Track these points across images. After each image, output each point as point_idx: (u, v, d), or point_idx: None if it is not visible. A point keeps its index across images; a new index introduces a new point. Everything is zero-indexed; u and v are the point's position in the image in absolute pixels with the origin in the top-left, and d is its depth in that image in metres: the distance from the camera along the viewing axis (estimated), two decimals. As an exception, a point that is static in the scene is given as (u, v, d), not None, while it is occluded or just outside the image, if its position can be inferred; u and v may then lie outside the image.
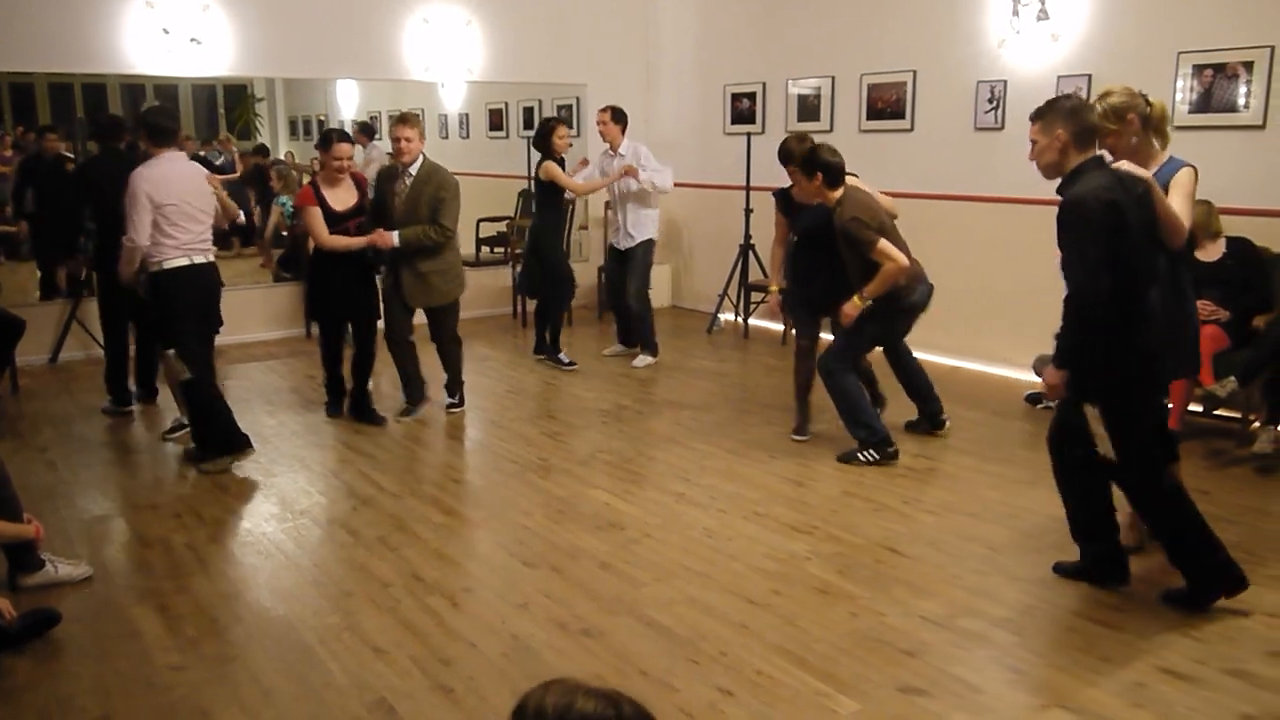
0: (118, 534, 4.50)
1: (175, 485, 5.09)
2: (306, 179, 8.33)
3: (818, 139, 5.43)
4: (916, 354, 5.69)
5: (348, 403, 6.23)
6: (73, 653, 3.42)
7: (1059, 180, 3.62)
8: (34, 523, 3.80)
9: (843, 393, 5.25)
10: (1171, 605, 3.63)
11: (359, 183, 6.03)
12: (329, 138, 5.86)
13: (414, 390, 6.26)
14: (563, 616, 3.63)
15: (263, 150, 10.68)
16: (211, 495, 4.96)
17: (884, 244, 4.94)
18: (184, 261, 5.15)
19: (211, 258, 5.33)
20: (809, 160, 5.10)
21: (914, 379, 5.67)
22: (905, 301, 5.18)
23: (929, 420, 5.69)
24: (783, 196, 5.70)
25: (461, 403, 6.35)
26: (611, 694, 1.36)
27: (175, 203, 5.07)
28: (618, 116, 7.35)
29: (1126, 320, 3.52)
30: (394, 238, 5.81)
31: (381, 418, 6.11)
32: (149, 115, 5.26)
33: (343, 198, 5.88)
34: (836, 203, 5.07)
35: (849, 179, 5.17)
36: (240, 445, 5.28)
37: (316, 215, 5.78)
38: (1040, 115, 3.60)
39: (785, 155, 5.47)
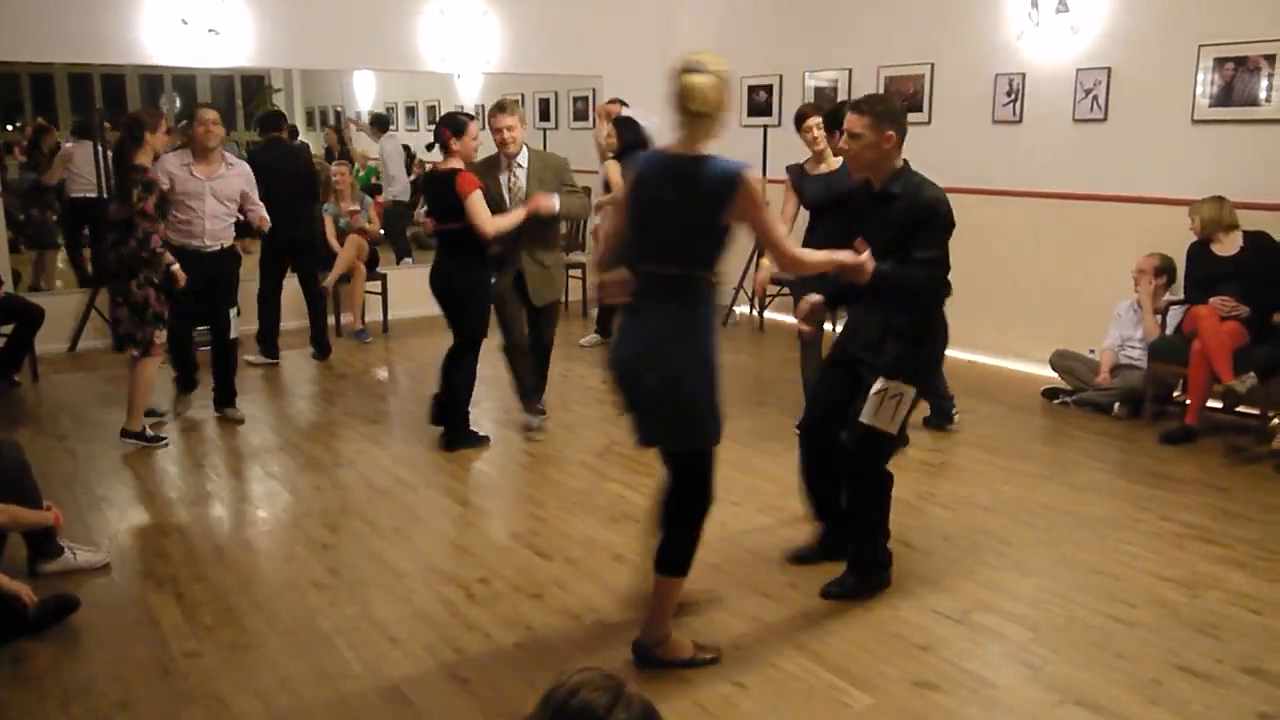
0: (136, 522, 4.53)
1: (193, 473, 5.12)
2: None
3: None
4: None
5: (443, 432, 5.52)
6: (91, 639, 3.45)
7: (889, 176, 3.59)
8: (53, 510, 3.83)
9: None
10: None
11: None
12: (463, 123, 5.20)
13: (535, 396, 5.75)
14: (577, 608, 3.64)
15: (292, 133, 10.62)
16: (229, 484, 4.99)
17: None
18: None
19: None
20: (834, 114, 5.14)
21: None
22: None
23: (943, 415, 5.67)
24: (796, 171, 5.69)
25: (544, 411, 5.84)
26: (618, 689, 1.37)
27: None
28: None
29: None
30: (554, 201, 5.31)
31: (484, 437, 5.61)
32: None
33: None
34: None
35: None
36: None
37: (481, 200, 5.13)
38: (871, 111, 3.51)
39: (801, 116, 5.54)
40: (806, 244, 5.58)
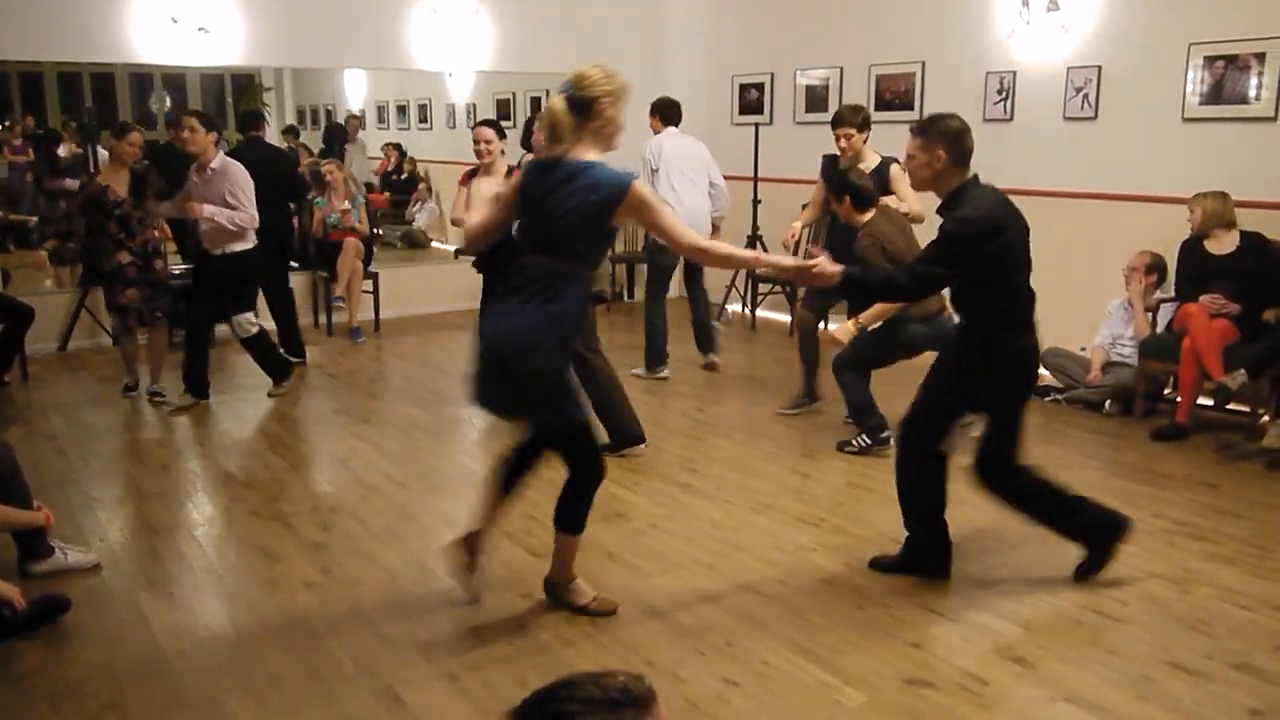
0: (126, 521, 4.51)
1: (184, 473, 5.10)
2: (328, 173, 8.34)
3: (826, 130, 5.48)
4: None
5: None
6: (82, 639, 3.43)
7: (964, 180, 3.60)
8: (43, 510, 3.81)
9: (847, 385, 5.28)
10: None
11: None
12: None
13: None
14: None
15: (292, 131, 10.60)
16: (220, 483, 4.97)
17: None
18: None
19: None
20: (839, 182, 5.19)
21: None
22: (904, 333, 5.08)
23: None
24: (830, 162, 5.74)
25: None
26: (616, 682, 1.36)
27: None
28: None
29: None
30: None
31: None
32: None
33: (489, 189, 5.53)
34: (864, 224, 5.08)
35: (887, 200, 5.32)
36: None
37: (459, 195, 5.77)
38: (921, 131, 3.57)
39: (839, 119, 5.58)
40: (830, 237, 5.62)
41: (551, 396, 3.29)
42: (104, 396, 6.40)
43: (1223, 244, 5.60)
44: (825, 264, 3.44)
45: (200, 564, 4.05)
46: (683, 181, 6.73)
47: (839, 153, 5.65)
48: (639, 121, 9.83)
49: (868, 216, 5.07)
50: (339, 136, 11.02)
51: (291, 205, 7.80)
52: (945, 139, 3.50)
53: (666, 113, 6.91)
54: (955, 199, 3.54)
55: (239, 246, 5.99)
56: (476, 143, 5.74)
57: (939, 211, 3.62)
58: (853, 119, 5.56)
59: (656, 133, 6.90)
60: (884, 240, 4.95)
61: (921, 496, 3.81)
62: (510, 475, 3.62)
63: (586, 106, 3.21)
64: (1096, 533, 3.80)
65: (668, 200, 6.84)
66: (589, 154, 3.23)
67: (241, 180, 5.91)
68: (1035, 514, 3.81)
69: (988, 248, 3.44)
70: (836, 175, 5.29)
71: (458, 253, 5.82)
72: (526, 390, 3.27)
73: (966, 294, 3.61)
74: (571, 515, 3.50)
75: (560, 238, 3.22)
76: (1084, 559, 3.80)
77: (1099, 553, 3.79)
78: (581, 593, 3.58)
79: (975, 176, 3.59)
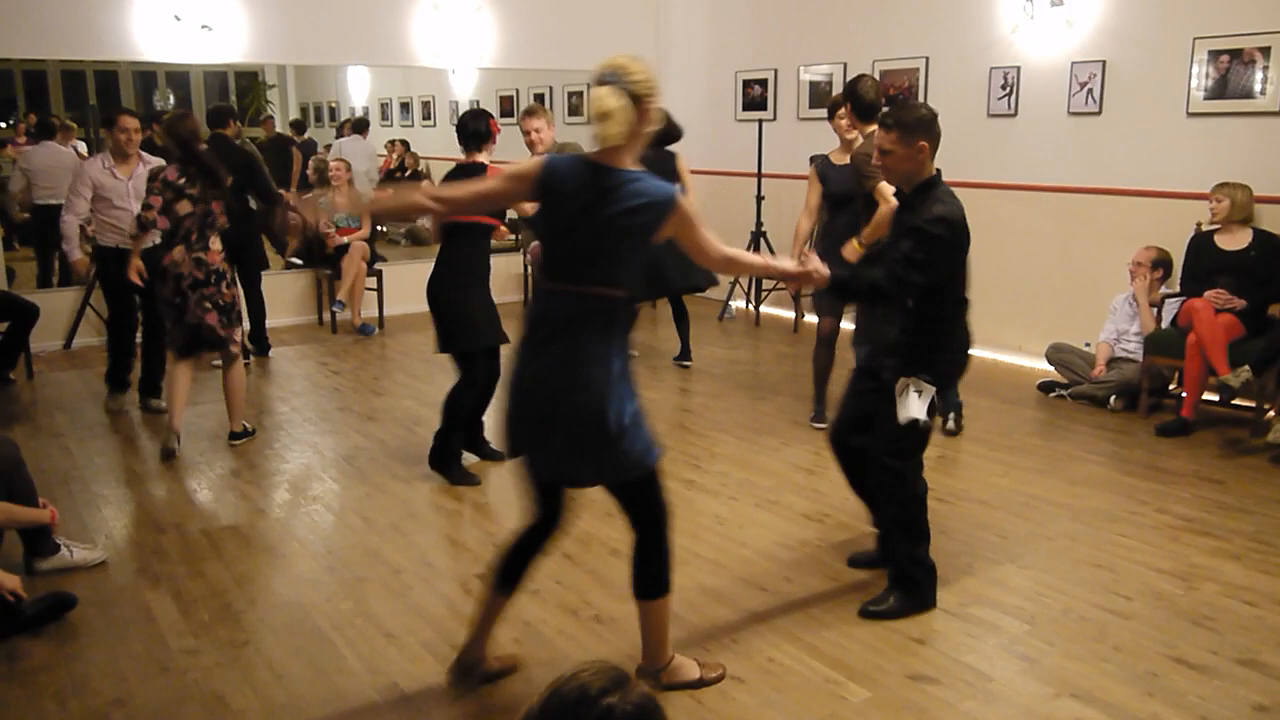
0: (132, 519, 4.52)
1: (189, 471, 5.11)
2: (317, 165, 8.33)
3: (830, 126, 5.45)
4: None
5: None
6: (87, 636, 3.44)
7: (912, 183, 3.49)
8: (49, 507, 3.82)
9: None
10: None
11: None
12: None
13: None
14: (574, 603, 3.64)
15: (297, 126, 10.52)
16: (225, 480, 4.98)
17: (884, 185, 4.76)
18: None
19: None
20: (846, 93, 5.20)
21: None
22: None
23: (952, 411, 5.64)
24: (821, 160, 5.69)
25: None
26: (620, 678, 1.38)
27: None
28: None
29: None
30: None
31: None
32: None
33: None
34: (864, 141, 5.00)
35: None
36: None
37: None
38: (898, 123, 3.42)
39: (834, 106, 5.49)
40: (827, 236, 5.56)
41: (626, 448, 2.78)
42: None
43: (1235, 239, 5.59)
44: (819, 266, 3.38)
45: (205, 561, 4.05)
46: None
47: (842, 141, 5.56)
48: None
49: (870, 128, 5.02)
50: (361, 129, 10.89)
51: (254, 205, 7.53)
52: (924, 128, 3.41)
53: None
54: (926, 193, 3.42)
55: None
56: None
57: (905, 204, 3.51)
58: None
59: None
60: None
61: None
62: (519, 566, 3.08)
63: (639, 104, 2.71)
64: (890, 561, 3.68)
65: None
66: (630, 162, 2.78)
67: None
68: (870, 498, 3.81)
69: (961, 254, 3.42)
70: (848, 88, 5.25)
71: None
72: (599, 453, 2.78)
73: (916, 304, 3.47)
74: (654, 575, 2.97)
75: (604, 260, 2.74)
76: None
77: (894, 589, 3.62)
78: (687, 669, 3.09)
79: (939, 171, 3.52)
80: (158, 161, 5.85)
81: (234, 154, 7.13)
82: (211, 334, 5.22)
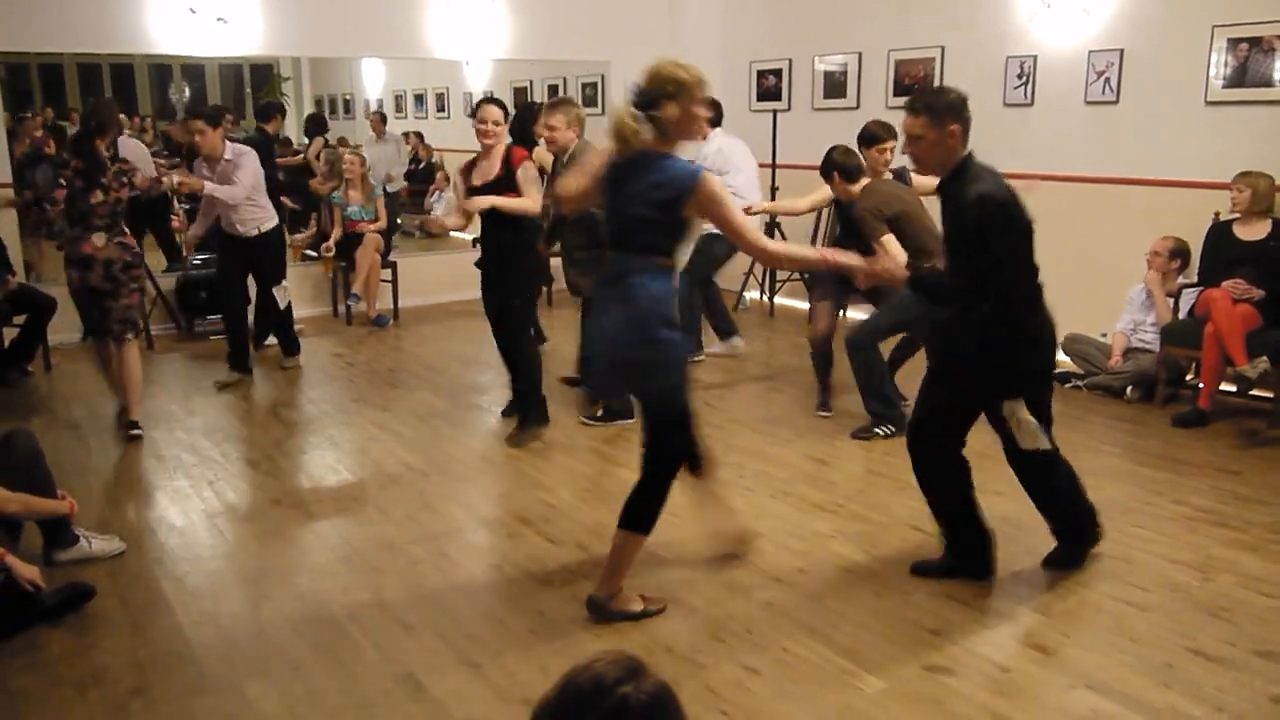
0: (150, 510, 4.55)
1: (206, 462, 5.13)
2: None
3: (845, 116, 5.46)
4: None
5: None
6: (106, 626, 3.47)
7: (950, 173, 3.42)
8: (67, 499, 3.85)
9: (866, 366, 5.27)
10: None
11: (510, 156, 5.21)
12: (477, 103, 5.25)
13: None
14: (588, 593, 3.64)
15: (316, 122, 10.47)
16: (242, 471, 5.01)
17: (888, 238, 4.95)
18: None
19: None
20: (824, 165, 5.31)
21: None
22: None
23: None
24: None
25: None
26: (634, 667, 1.39)
27: None
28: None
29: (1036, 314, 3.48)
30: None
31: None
32: None
33: (484, 170, 5.19)
34: (859, 195, 5.18)
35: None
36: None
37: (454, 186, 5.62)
38: (927, 107, 3.36)
39: (825, 173, 5.46)
40: (839, 234, 5.58)
41: (662, 376, 3.31)
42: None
43: (1254, 229, 5.54)
44: (896, 261, 3.33)
45: (223, 552, 4.08)
46: (749, 185, 6.63)
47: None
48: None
49: (858, 187, 5.21)
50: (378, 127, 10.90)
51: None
52: (954, 112, 3.34)
53: (714, 113, 6.58)
54: (961, 176, 3.35)
55: (267, 225, 6.39)
56: (484, 122, 5.12)
57: (942, 186, 3.44)
58: (889, 135, 5.40)
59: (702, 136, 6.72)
60: (880, 205, 5.02)
61: (949, 495, 3.71)
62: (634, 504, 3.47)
63: (659, 111, 3.29)
64: (968, 556, 3.73)
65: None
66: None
67: (247, 163, 6.19)
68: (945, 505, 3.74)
69: (1015, 228, 3.30)
70: (825, 159, 5.33)
71: (557, 219, 5.45)
72: (639, 370, 3.31)
73: (982, 277, 3.38)
74: (641, 513, 3.38)
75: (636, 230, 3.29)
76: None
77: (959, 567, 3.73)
78: (633, 602, 3.46)
79: (971, 153, 3.43)
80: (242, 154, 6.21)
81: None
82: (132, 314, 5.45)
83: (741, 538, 3.93)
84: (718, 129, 6.63)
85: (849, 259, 3.49)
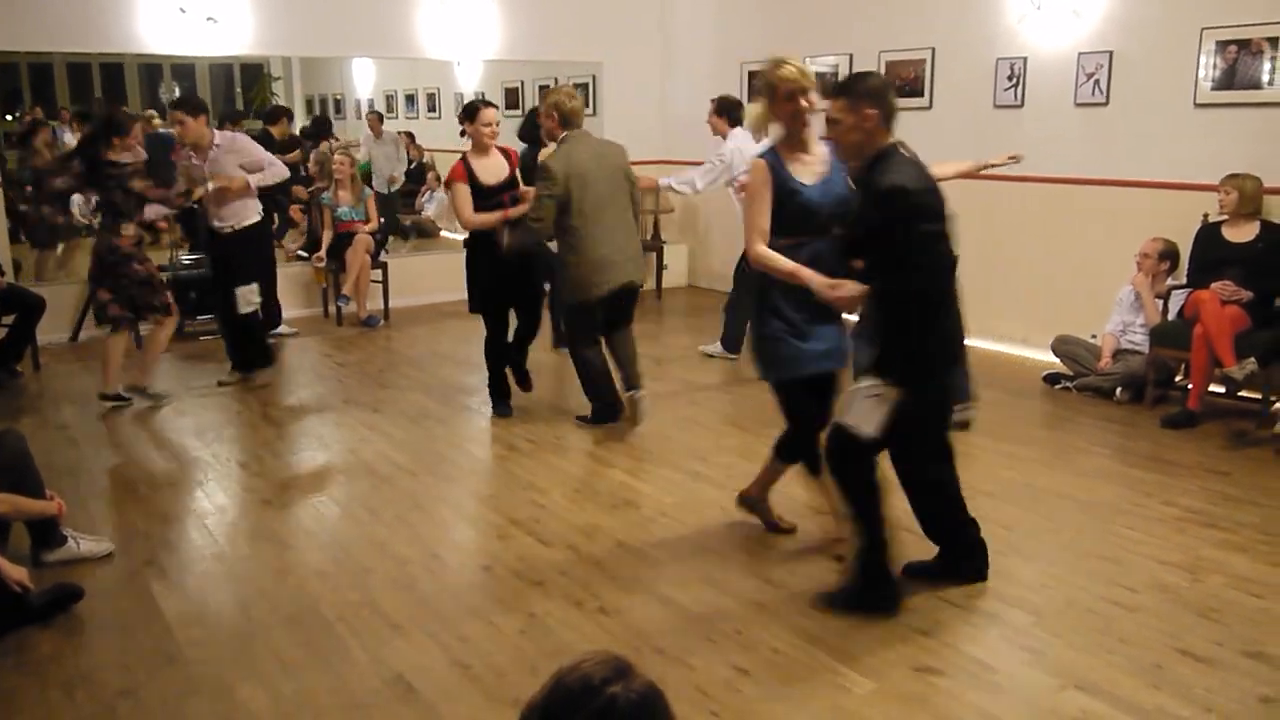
0: (139, 510, 4.53)
1: (195, 462, 5.12)
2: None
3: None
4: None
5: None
6: (95, 627, 3.46)
7: (869, 162, 3.34)
8: (56, 499, 3.83)
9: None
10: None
11: (509, 156, 5.57)
12: (474, 106, 5.46)
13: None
14: (579, 594, 3.65)
15: (321, 125, 10.45)
16: (231, 473, 4.99)
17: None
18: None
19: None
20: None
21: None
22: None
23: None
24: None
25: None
26: (621, 668, 1.39)
27: None
28: (722, 108, 6.76)
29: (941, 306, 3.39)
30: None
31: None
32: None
33: (493, 170, 5.41)
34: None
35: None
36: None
37: (463, 193, 5.35)
38: (844, 90, 3.32)
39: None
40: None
41: (755, 349, 3.89)
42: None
43: (1242, 231, 5.56)
44: (850, 287, 3.32)
45: (212, 552, 4.07)
46: None
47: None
48: (658, 114, 9.85)
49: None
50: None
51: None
52: (871, 97, 3.27)
53: (734, 112, 6.62)
54: (881, 162, 3.28)
55: (245, 222, 6.26)
56: (489, 124, 5.38)
57: (857, 178, 3.41)
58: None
59: (722, 134, 6.67)
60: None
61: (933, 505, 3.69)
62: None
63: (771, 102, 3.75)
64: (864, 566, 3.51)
65: None
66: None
67: (251, 145, 6.25)
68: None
69: (925, 220, 3.22)
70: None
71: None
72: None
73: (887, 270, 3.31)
74: (789, 450, 4.05)
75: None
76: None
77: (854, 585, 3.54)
78: (769, 511, 4.18)
79: (899, 143, 3.35)
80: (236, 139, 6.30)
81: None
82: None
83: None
84: (738, 128, 6.63)
85: (815, 280, 3.46)
